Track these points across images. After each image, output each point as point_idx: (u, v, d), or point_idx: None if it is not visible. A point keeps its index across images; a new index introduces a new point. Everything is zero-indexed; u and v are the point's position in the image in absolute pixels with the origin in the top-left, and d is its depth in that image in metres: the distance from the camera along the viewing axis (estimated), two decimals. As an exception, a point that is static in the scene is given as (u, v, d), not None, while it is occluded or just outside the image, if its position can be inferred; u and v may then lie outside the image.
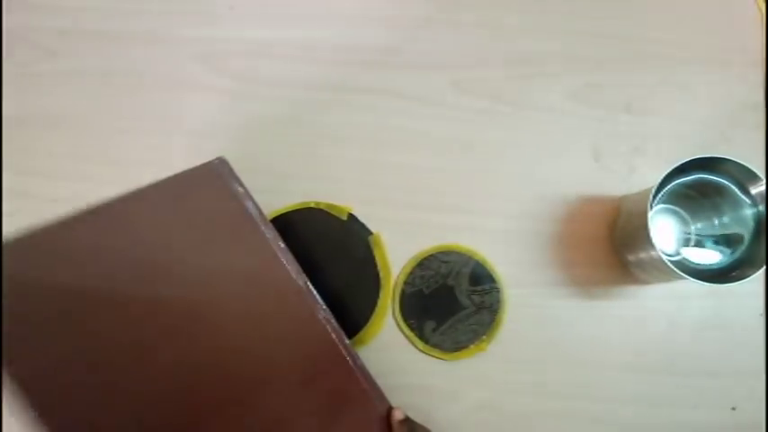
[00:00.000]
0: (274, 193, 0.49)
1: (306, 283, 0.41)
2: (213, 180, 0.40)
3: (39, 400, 0.35)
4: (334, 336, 0.41)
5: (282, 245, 0.41)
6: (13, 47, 0.52)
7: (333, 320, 0.42)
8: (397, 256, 0.48)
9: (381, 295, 0.48)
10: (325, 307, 0.42)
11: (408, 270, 0.47)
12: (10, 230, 0.48)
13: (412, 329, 0.47)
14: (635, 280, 0.47)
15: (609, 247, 0.48)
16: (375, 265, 0.48)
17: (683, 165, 0.39)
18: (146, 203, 0.40)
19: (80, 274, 0.37)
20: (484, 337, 0.46)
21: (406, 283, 0.47)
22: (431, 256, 0.47)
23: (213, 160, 0.41)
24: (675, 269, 0.38)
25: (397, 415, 0.40)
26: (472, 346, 0.46)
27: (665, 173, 0.39)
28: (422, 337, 0.46)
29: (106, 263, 0.38)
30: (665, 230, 0.46)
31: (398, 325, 0.46)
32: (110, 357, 0.37)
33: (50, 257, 0.37)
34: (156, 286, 0.39)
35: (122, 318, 0.37)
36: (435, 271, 0.47)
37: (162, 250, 0.39)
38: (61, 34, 0.52)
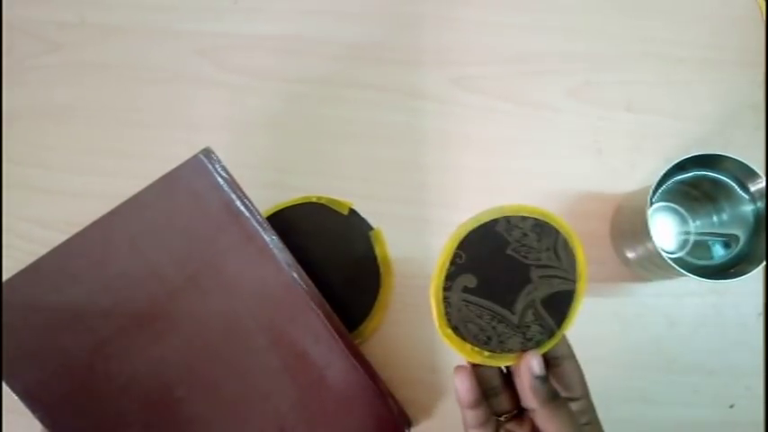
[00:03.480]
0: (275, 188, 0.49)
1: (297, 274, 0.41)
2: (198, 174, 0.40)
3: (41, 406, 0.38)
4: (329, 326, 0.41)
5: (274, 236, 0.41)
6: (15, 39, 0.52)
7: (329, 309, 0.42)
8: (398, 251, 0.48)
9: (381, 290, 0.48)
10: (320, 297, 0.42)
11: (520, 211, 0.32)
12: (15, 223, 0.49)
13: (452, 263, 0.31)
14: (634, 277, 0.47)
15: (608, 244, 0.48)
16: (376, 261, 0.48)
17: (682, 162, 0.40)
18: (133, 213, 0.40)
19: (70, 295, 0.39)
20: (486, 352, 0.34)
21: (503, 219, 0.31)
22: (554, 229, 0.32)
23: (198, 153, 0.41)
24: (675, 266, 0.38)
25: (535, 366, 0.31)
26: (467, 344, 0.38)
27: (665, 169, 0.39)
28: (449, 277, 0.31)
29: (92, 283, 0.39)
30: (664, 228, 0.46)
31: (435, 297, 0.31)
32: (102, 360, 0.39)
33: (44, 285, 0.39)
34: (140, 293, 0.40)
35: (113, 327, 0.39)
36: (540, 248, 0.31)
37: (143, 261, 0.40)
38: (64, 27, 0.52)
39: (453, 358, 0.48)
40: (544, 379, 0.31)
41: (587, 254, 0.48)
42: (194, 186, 0.40)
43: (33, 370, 0.38)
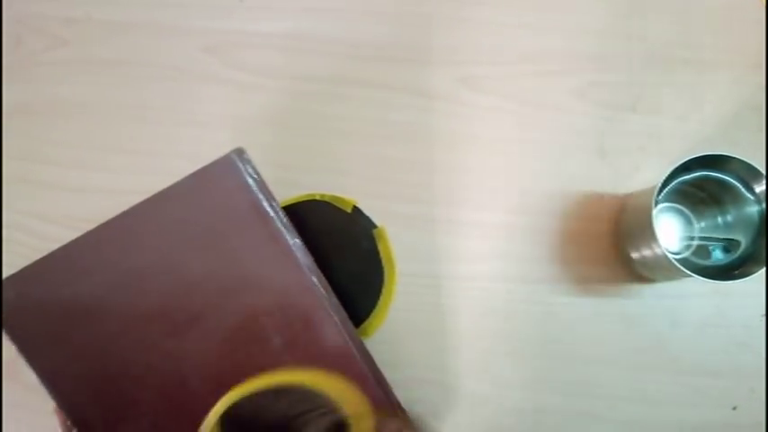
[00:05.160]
0: (280, 185, 0.48)
1: (316, 277, 0.41)
2: (229, 173, 0.41)
3: (59, 390, 0.39)
4: (345, 332, 0.41)
5: (296, 239, 0.41)
6: (22, 35, 0.52)
7: (344, 315, 0.42)
8: (402, 249, 0.48)
9: (385, 289, 0.48)
10: (335, 301, 0.42)
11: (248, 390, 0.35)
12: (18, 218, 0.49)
13: None
14: (638, 278, 0.47)
15: (612, 244, 0.48)
16: (379, 259, 0.48)
17: (687, 162, 0.40)
18: (160, 206, 0.40)
19: (93, 283, 0.40)
20: None
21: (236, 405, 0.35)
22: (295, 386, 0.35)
23: (230, 152, 0.41)
24: (680, 266, 0.38)
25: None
26: None
27: (670, 169, 0.39)
28: None
29: (114, 272, 0.40)
30: (668, 229, 0.46)
31: None
32: (121, 348, 0.40)
33: (69, 271, 0.40)
34: (160, 286, 0.40)
35: (132, 317, 0.40)
36: (289, 405, 0.35)
37: (169, 254, 0.40)
38: (72, 23, 0.52)
39: (458, 357, 0.48)
40: None
41: (591, 254, 0.48)
42: (224, 185, 0.40)
43: (55, 352, 0.39)
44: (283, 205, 0.49)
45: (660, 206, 0.46)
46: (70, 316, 0.39)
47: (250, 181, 0.41)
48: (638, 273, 0.47)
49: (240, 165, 0.41)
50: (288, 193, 0.49)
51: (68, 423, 0.38)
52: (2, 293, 0.39)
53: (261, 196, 0.41)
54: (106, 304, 0.39)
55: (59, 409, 0.39)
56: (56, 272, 0.39)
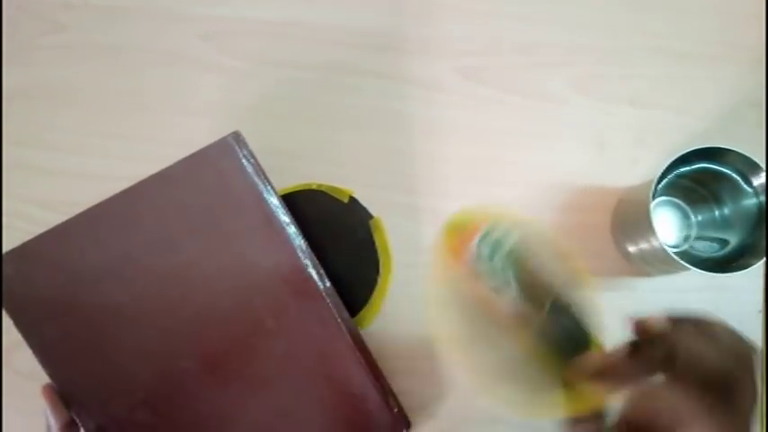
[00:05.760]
0: (276, 174, 0.48)
1: (310, 261, 0.42)
2: (225, 155, 0.41)
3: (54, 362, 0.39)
4: (338, 317, 0.41)
5: (292, 223, 0.42)
6: (20, 19, 0.52)
7: (338, 301, 0.42)
8: (398, 240, 0.48)
9: (380, 279, 0.47)
10: (330, 287, 0.42)
11: None
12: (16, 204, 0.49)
13: None
14: (634, 271, 0.47)
15: (608, 238, 0.48)
16: (375, 249, 0.48)
17: (685, 155, 0.40)
18: (159, 186, 0.41)
19: (93, 259, 0.40)
20: None
21: None
22: None
23: (227, 136, 0.41)
24: (678, 259, 0.38)
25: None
26: None
27: (669, 161, 0.39)
28: None
29: (114, 249, 0.40)
30: (666, 222, 0.46)
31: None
32: (116, 325, 0.40)
33: (69, 246, 0.40)
34: (159, 264, 0.40)
35: (130, 293, 0.40)
36: None
37: (166, 234, 0.41)
38: (69, 8, 0.52)
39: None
40: None
41: (588, 247, 0.48)
42: (221, 167, 0.41)
43: (51, 327, 0.39)
44: (280, 194, 0.48)
45: (657, 200, 0.45)
46: (67, 292, 0.39)
47: (246, 164, 0.41)
48: (634, 266, 0.46)
49: (237, 148, 0.41)
50: (284, 182, 0.48)
51: (57, 403, 0.38)
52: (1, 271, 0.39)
53: (257, 179, 0.41)
54: (102, 282, 0.40)
55: (53, 385, 0.39)
56: (53, 249, 0.40)
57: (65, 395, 0.39)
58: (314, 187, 0.49)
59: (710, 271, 0.38)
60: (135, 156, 0.49)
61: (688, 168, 0.42)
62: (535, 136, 0.50)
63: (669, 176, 0.43)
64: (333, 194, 0.49)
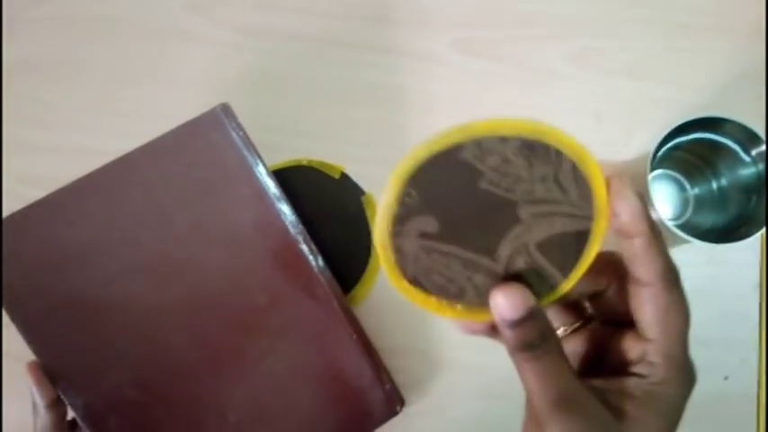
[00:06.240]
0: (265, 149, 0.47)
1: (302, 237, 0.41)
2: (214, 127, 0.40)
3: (38, 338, 0.38)
4: (330, 292, 0.41)
5: (282, 198, 0.41)
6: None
7: (330, 276, 0.41)
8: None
9: (373, 256, 0.47)
10: (322, 262, 0.41)
11: (496, 130, 0.23)
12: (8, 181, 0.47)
13: (398, 201, 0.24)
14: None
15: (605, 212, 0.47)
16: (367, 225, 0.47)
17: (683, 125, 0.39)
18: (147, 158, 0.40)
19: (81, 231, 0.39)
20: (460, 306, 0.27)
21: (473, 142, 0.23)
22: (550, 149, 0.23)
23: (215, 107, 0.40)
24: (677, 230, 0.37)
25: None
26: (433, 298, 0.26)
27: (667, 131, 0.38)
28: (398, 222, 0.24)
29: (103, 221, 0.39)
30: (662, 197, 0.45)
31: (381, 245, 0.24)
32: (104, 299, 0.39)
33: (56, 218, 0.39)
34: (148, 237, 0.40)
35: (118, 267, 0.39)
36: (530, 177, 0.24)
37: (155, 206, 0.40)
38: (50, -21, 0.50)
39: (445, 326, 0.47)
40: (518, 323, 0.23)
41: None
42: (210, 139, 0.40)
43: (36, 301, 0.38)
44: (270, 170, 0.47)
45: (653, 173, 0.45)
46: (53, 265, 0.39)
47: (235, 136, 0.40)
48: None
49: (225, 120, 0.40)
50: (273, 158, 0.47)
51: (43, 381, 0.37)
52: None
53: (246, 152, 0.40)
54: (89, 255, 0.39)
55: (38, 362, 0.38)
56: (39, 222, 0.39)
57: (51, 372, 0.38)
58: (304, 163, 0.48)
59: (710, 242, 0.37)
60: (120, 130, 0.48)
61: (685, 139, 0.41)
62: (531, 109, 0.49)
63: (665, 148, 0.42)
64: (323, 170, 0.48)
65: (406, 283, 0.25)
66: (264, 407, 0.40)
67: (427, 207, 0.24)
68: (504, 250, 0.25)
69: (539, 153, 0.23)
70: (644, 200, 0.23)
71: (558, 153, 0.23)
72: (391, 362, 0.44)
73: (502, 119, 0.23)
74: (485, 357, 0.46)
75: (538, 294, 0.25)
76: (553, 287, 0.25)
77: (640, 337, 0.24)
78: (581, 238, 0.24)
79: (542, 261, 0.25)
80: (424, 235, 0.24)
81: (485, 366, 0.46)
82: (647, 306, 0.23)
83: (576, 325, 0.27)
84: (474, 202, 0.24)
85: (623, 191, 0.23)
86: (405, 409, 0.43)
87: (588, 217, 0.24)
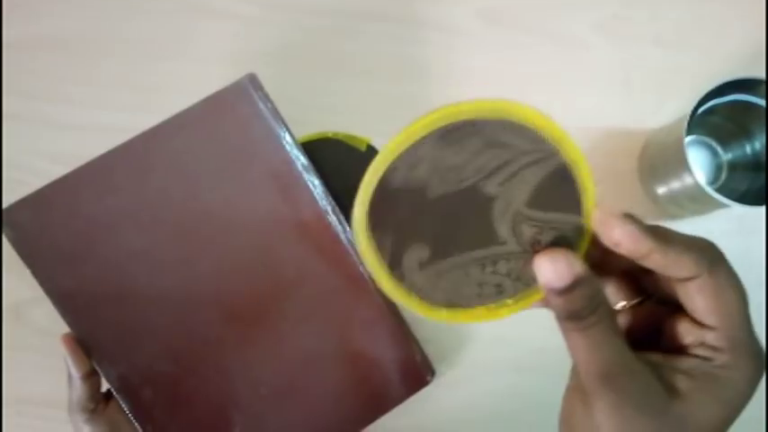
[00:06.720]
0: (291, 124, 0.47)
1: (332, 206, 0.41)
2: (241, 99, 0.40)
3: (71, 310, 0.39)
4: (358, 263, 0.40)
5: (310, 168, 0.40)
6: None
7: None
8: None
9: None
10: (350, 234, 0.41)
11: (408, 141, 0.23)
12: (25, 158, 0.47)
13: (379, 250, 0.23)
14: (664, 214, 0.46)
15: (635, 181, 0.47)
16: (394, 197, 0.47)
17: (719, 86, 0.38)
18: (174, 130, 0.40)
19: (110, 204, 0.39)
20: (509, 299, 0.25)
21: (392, 168, 0.23)
22: (468, 123, 0.22)
23: (242, 78, 0.40)
24: (713, 193, 0.37)
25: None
26: (481, 308, 0.25)
27: (703, 93, 0.38)
28: (393, 266, 0.24)
29: (131, 194, 0.39)
30: (695, 163, 0.44)
31: (356, 237, 0.23)
32: (135, 272, 0.39)
33: (85, 191, 0.39)
34: (177, 209, 0.40)
35: (148, 239, 0.39)
36: (469, 157, 0.23)
37: (183, 179, 0.40)
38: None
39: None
40: (565, 291, 0.22)
41: (615, 191, 0.47)
42: (237, 111, 0.40)
43: (69, 274, 0.38)
44: (296, 142, 0.47)
45: (687, 138, 0.44)
46: (83, 239, 0.39)
47: (263, 107, 0.40)
48: (663, 209, 0.45)
49: (252, 90, 0.40)
50: (298, 132, 0.47)
51: (78, 352, 0.37)
52: (6, 218, 0.38)
53: (273, 123, 0.40)
54: (119, 228, 0.39)
55: (73, 335, 0.38)
56: (68, 195, 0.39)
57: (85, 345, 0.38)
58: (330, 136, 0.48)
59: (747, 204, 0.37)
60: (146, 107, 0.48)
61: (720, 101, 0.41)
62: (558, 80, 0.48)
63: (697, 114, 0.42)
64: (350, 143, 0.47)
65: (445, 312, 0.25)
66: (296, 379, 0.40)
67: (405, 239, 0.23)
68: (503, 229, 0.24)
69: (456, 134, 0.23)
70: (633, 216, 0.23)
71: (470, 122, 0.23)
72: (420, 333, 0.43)
73: (405, 128, 0.23)
74: (514, 329, 0.45)
75: (572, 246, 0.24)
76: (579, 230, 0.24)
77: (698, 322, 0.23)
78: (562, 173, 0.23)
79: (545, 215, 0.24)
80: (424, 264, 0.24)
81: (514, 338, 0.46)
82: (696, 298, 0.22)
83: (636, 300, 0.26)
84: (441, 209, 0.23)
85: (610, 220, 0.23)
86: (435, 380, 0.42)
87: (551, 152, 0.23)
